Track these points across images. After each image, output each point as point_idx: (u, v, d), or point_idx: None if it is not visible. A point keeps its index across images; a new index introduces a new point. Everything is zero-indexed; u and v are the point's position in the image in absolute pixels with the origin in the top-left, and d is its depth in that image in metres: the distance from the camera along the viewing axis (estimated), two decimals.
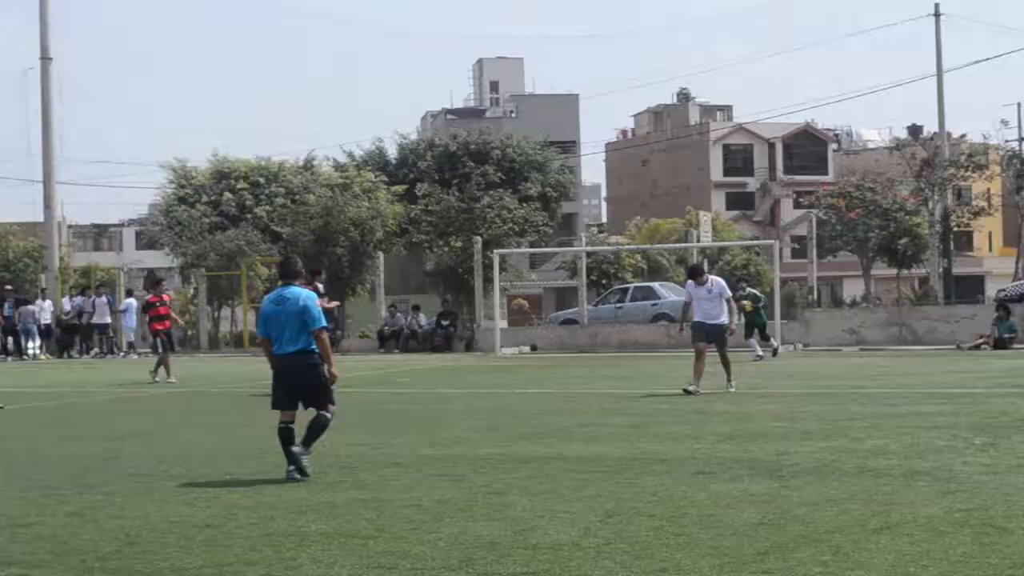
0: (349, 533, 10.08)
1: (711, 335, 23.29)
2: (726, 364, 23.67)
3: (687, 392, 22.33)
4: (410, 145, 66.29)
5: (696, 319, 23.50)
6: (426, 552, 9.27)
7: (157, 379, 30.19)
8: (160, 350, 30.78)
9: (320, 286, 26.59)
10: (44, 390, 29.38)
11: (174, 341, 32.03)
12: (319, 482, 12.95)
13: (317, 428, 13.45)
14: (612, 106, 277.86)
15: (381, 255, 51.60)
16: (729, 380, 23.43)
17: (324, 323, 13.76)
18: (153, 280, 31.42)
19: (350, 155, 66.53)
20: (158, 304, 31.16)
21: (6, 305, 49.84)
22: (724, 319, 23.40)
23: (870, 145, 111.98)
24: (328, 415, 13.54)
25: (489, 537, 9.77)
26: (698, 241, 53.69)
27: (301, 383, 13.56)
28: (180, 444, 16.90)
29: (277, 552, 9.42)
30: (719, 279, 24.16)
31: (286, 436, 13.21)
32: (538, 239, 59.68)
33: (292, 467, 13.04)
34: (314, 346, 13.55)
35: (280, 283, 13.79)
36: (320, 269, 27.76)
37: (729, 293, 23.83)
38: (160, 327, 30.85)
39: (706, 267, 27.97)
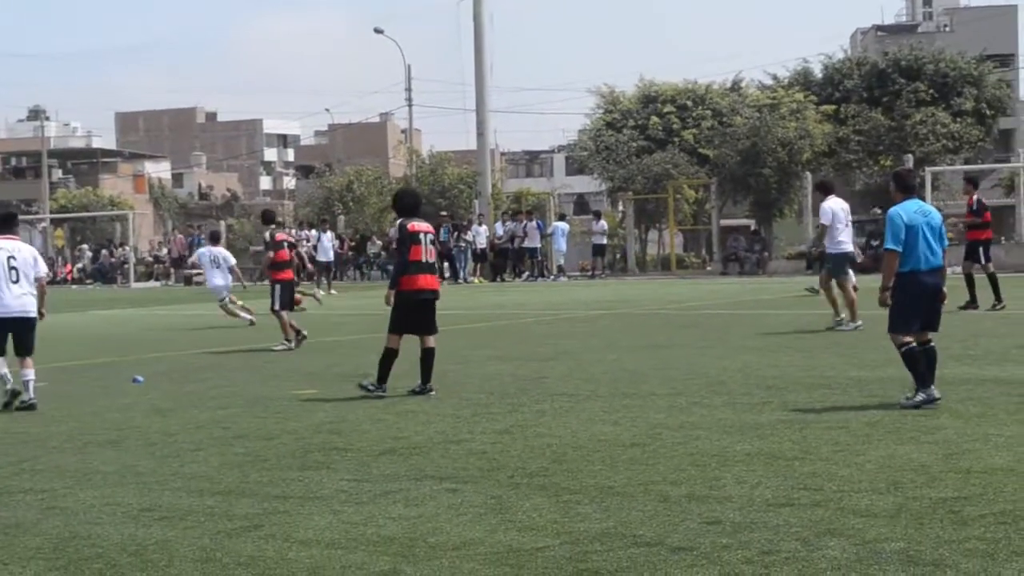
0: (773, 454, 9.97)
1: None
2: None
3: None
4: (836, 64, 64.81)
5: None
6: (852, 475, 9.08)
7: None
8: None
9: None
10: (477, 312, 30.28)
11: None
12: (744, 403, 12.87)
13: (934, 359, 12.45)
14: None
15: (809, 176, 50.82)
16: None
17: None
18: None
19: (774, 77, 65.71)
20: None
21: (442, 230, 51.64)
22: None
23: None
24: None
25: (918, 460, 9.50)
26: None
27: (934, 304, 12.47)
28: (607, 365, 17.09)
29: (701, 472, 9.40)
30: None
31: (916, 357, 12.24)
32: (973, 156, 57.55)
33: (925, 389, 12.21)
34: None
35: (900, 196, 12.78)
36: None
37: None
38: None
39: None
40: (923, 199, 43.46)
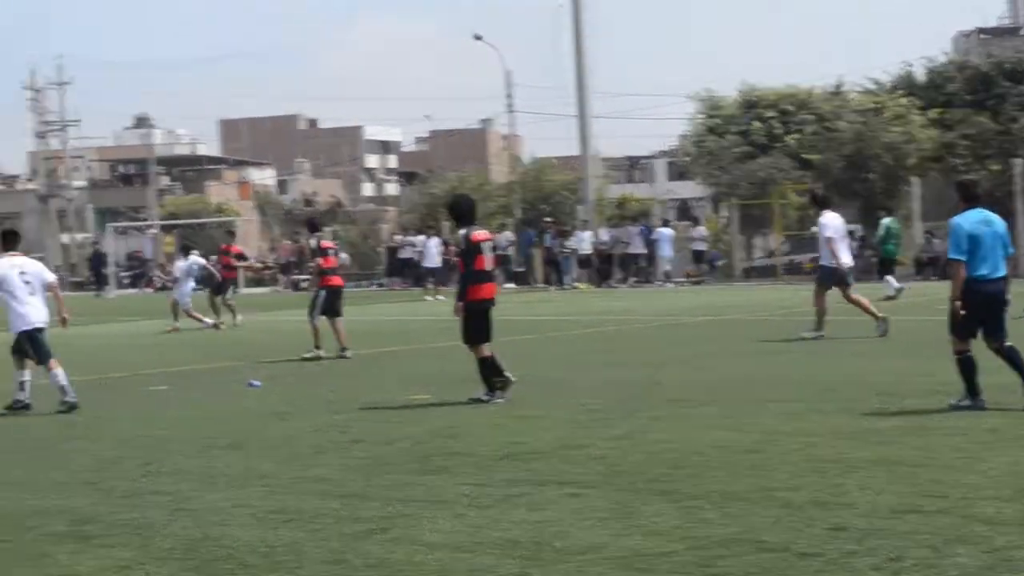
0: (895, 460, 9.93)
1: None
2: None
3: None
4: (938, 68, 64.07)
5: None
6: (978, 482, 9.03)
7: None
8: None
9: None
10: (586, 318, 30.32)
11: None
12: (859, 409, 12.81)
13: (1015, 357, 12.61)
14: None
15: (917, 181, 50.35)
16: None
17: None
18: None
19: (875, 81, 65.11)
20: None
21: (546, 236, 51.79)
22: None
23: None
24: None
25: None
26: None
27: (996, 312, 12.65)
28: (719, 371, 17.08)
29: (822, 478, 9.39)
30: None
31: (971, 366, 12.60)
32: None
33: (973, 398, 12.55)
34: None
35: (963, 206, 12.85)
36: None
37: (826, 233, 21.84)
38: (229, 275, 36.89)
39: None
40: None
